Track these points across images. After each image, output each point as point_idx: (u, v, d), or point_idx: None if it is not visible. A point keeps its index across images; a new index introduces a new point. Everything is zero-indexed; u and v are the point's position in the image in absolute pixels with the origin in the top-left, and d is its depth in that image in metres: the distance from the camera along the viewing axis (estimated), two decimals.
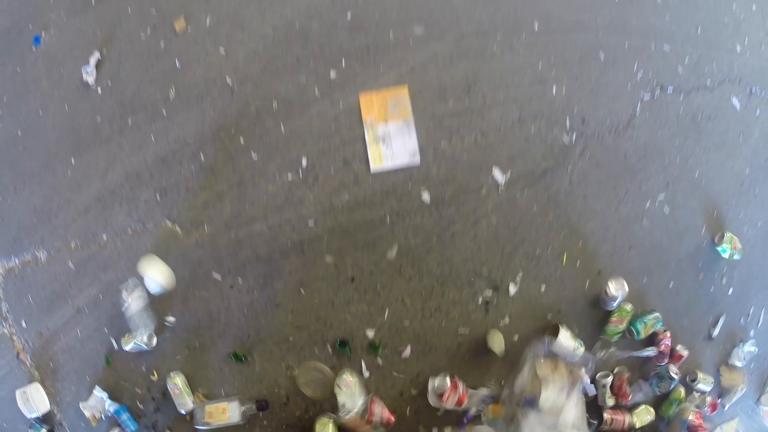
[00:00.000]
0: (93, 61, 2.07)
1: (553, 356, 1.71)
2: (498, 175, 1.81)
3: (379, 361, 1.82)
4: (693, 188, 2.01)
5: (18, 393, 1.91)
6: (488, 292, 1.86)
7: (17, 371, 1.97)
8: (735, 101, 2.13)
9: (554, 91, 1.90)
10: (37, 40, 2.26)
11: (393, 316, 1.83)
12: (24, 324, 2.03)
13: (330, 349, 1.84)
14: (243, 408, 1.77)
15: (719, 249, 1.95)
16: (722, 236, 1.94)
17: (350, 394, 1.68)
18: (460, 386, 1.74)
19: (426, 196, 1.81)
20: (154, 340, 1.83)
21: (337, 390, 1.71)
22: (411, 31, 1.87)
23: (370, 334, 1.83)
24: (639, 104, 1.99)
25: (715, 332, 1.99)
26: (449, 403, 1.72)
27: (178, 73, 1.94)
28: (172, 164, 1.87)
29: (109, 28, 2.12)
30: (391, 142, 1.79)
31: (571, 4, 2.02)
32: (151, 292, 1.78)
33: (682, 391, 1.94)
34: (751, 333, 2.06)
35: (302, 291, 1.82)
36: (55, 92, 2.15)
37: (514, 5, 1.97)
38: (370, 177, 1.81)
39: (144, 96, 1.97)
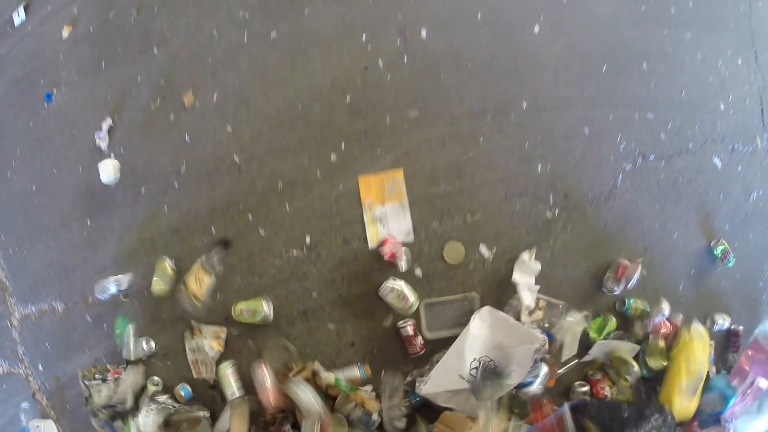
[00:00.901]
0: (105, 126, 2.19)
1: None
2: (484, 251, 1.98)
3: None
4: (671, 250, 2.16)
5: (32, 425, 2.07)
6: None
7: (33, 409, 2.14)
8: (716, 161, 2.27)
9: (539, 169, 2.04)
10: (48, 97, 2.37)
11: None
12: (41, 367, 2.19)
13: None
14: (213, 257, 1.94)
15: None
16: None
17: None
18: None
19: (419, 272, 1.98)
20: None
21: None
22: (406, 115, 2.00)
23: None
24: (621, 175, 2.12)
25: None
26: None
27: (188, 147, 2.07)
28: (185, 235, 2.02)
29: (119, 94, 2.24)
30: (388, 223, 1.95)
31: (559, 81, 2.14)
32: None
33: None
34: None
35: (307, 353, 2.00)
36: (69, 152, 2.27)
37: (505, 85, 2.09)
38: (368, 254, 1.98)
39: (156, 167, 2.10)
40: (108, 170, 2.09)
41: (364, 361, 1.97)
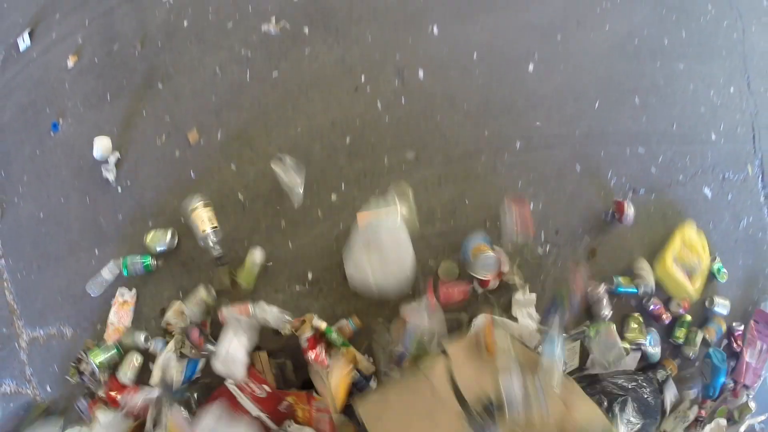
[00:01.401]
0: (112, 159, 2.25)
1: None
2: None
3: None
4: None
5: None
6: None
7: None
8: (707, 191, 2.38)
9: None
10: (55, 126, 2.43)
11: None
12: (49, 389, 2.26)
13: None
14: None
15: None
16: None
17: None
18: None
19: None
20: None
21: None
22: (403, 156, 2.08)
23: None
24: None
25: None
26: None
27: (194, 183, 2.14)
28: (191, 268, 2.10)
29: (125, 127, 2.30)
30: None
31: (552, 119, 2.22)
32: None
33: None
34: None
35: None
36: (76, 182, 2.33)
37: (499, 125, 2.17)
38: None
39: (162, 201, 2.17)
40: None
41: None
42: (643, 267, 2.15)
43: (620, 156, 2.28)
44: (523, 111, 2.20)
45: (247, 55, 2.22)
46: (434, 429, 1.58)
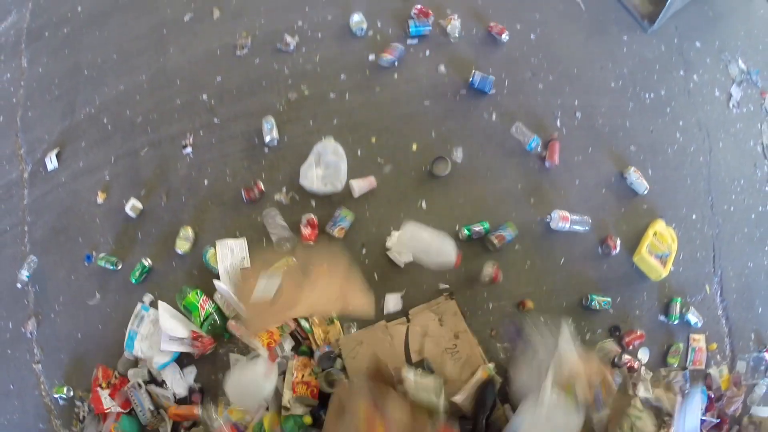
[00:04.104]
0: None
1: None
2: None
3: None
4: None
5: None
6: None
7: None
8: (661, 318, 2.55)
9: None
10: (88, 258, 2.71)
11: None
12: None
13: None
14: None
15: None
16: None
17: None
18: None
19: None
20: None
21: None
22: None
23: None
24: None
25: None
26: None
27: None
28: None
29: (158, 276, 2.62)
30: None
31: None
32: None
33: None
34: None
35: None
36: (113, 314, 2.58)
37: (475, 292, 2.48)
38: None
39: None
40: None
41: None
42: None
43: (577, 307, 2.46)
44: None
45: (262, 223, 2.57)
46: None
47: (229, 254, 2.52)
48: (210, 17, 3.04)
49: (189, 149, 2.73)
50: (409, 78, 2.82)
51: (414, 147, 2.69)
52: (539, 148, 2.70)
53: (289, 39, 2.85)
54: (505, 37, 2.92)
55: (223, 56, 2.92)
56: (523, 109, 2.81)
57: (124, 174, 2.79)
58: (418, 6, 2.88)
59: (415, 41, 2.90)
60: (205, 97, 2.85)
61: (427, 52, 2.90)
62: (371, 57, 2.84)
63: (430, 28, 2.89)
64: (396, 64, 2.82)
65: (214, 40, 2.97)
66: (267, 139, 2.67)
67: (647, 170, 2.79)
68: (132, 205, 2.65)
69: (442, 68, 2.86)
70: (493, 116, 2.78)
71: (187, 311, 2.41)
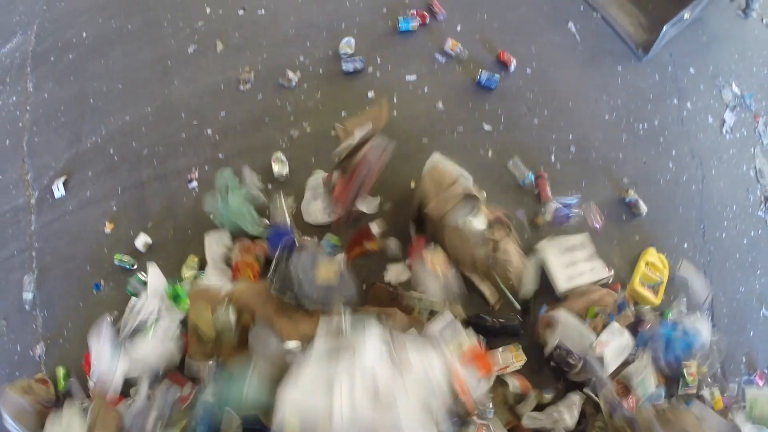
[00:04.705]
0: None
1: None
2: None
3: None
4: None
5: None
6: None
7: None
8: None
9: None
10: (97, 287, 2.79)
11: None
12: None
13: None
14: None
15: None
16: None
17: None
18: None
19: None
20: None
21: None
22: None
23: None
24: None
25: None
26: None
27: None
28: None
29: None
30: None
31: None
32: None
33: None
34: None
35: None
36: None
37: None
38: None
39: None
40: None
41: None
42: None
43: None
44: None
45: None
46: None
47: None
48: (213, 50, 3.10)
49: (195, 183, 2.79)
50: (408, 115, 2.90)
51: (413, 184, 2.77)
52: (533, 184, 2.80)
53: (291, 75, 2.92)
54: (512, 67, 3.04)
55: (226, 90, 3.00)
56: (518, 145, 2.91)
57: (131, 205, 2.87)
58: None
59: (413, 77, 2.95)
60: (209, 131, 2.93)
61: (426, 89, 2.96)
62: (370, 94, 2.90)
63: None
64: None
65: (218, 74, 3.04)
66: (276, 173, 2.75)
67: (639, 201, 2.87)
68: (143, 242, 2.73)
69: (440, 105, 2.93)
70: (489, 153, 2.86)
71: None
